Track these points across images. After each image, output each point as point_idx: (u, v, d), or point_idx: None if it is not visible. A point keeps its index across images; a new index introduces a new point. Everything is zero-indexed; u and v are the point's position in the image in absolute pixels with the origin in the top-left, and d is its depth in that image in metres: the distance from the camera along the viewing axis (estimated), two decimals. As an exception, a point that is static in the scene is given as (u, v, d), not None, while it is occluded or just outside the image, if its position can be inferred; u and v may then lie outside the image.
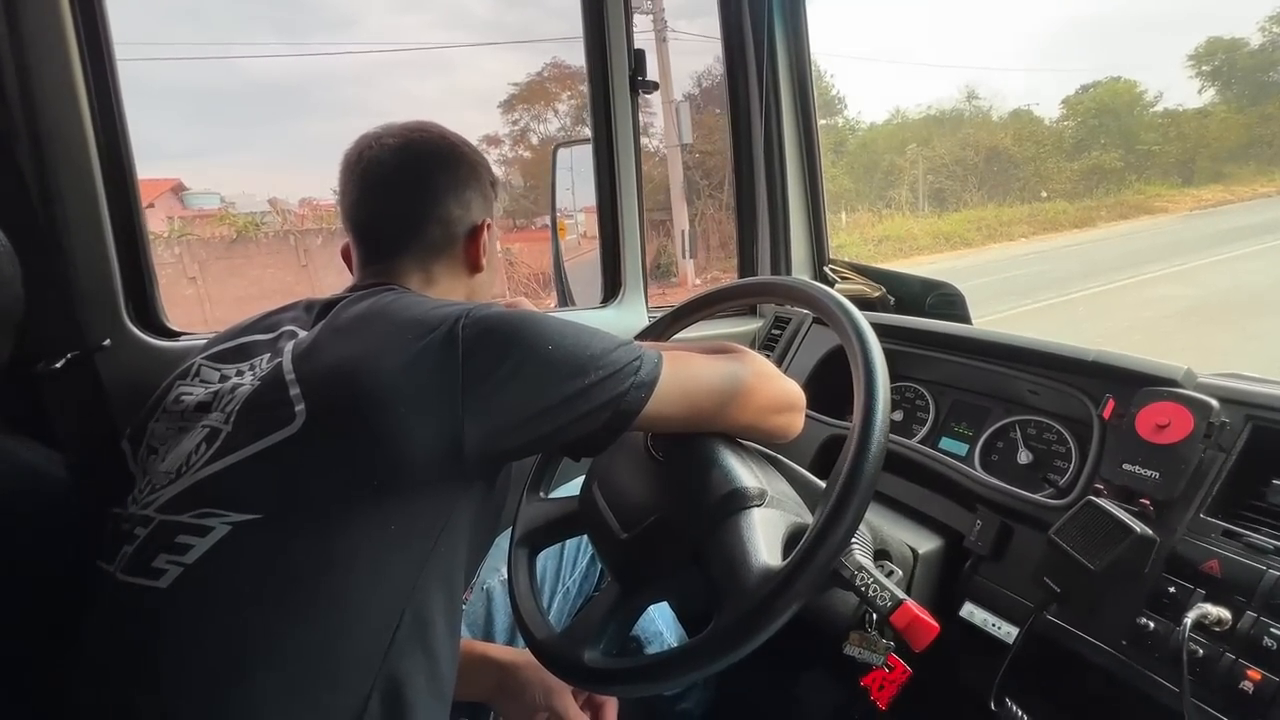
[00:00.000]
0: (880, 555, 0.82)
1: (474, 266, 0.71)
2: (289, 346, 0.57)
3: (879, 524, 0.89)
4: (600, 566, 1.03)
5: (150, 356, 0.87)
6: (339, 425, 0.50)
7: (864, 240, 11.21)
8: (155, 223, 9.55)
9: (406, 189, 0.67)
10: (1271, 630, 0.58)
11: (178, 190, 11.34)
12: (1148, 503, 0.69)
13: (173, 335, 0.92)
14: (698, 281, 10.18)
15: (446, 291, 0.69)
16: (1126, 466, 0.71)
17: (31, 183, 0.75)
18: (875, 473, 0.52)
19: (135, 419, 0.62)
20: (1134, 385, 0.75)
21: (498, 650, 0.81)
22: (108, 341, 0.81)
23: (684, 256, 10.21)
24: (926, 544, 0.87)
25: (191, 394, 0.59)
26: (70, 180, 0.80)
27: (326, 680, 0.50)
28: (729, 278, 1.46)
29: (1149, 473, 0.70)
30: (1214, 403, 0.68)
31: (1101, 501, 0.69)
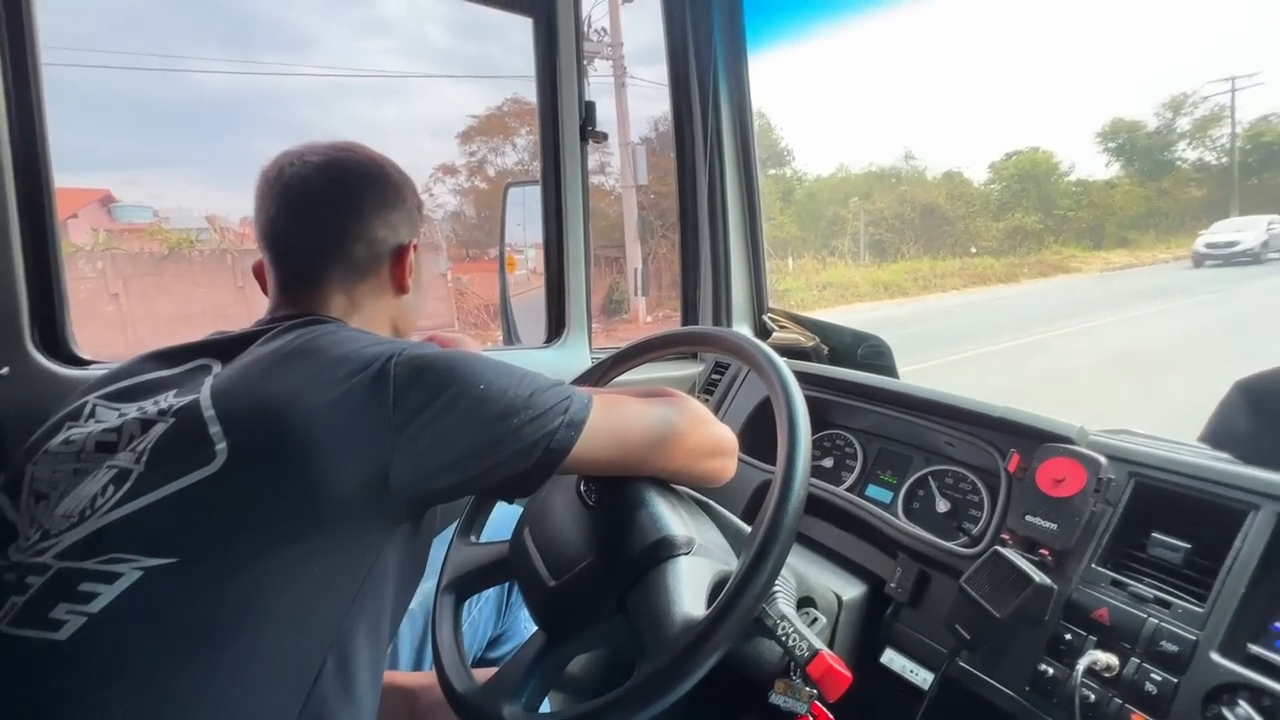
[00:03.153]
0: (805, 602, 0.84)
1: (400, 288, 0.70)
2: (207, 381, 0.54)
3: (806, 571, 0.91)
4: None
5: (55, 386, 0.81)
6: (263, 464, 0.48)
7: (809, 286, 11.68)
8: (79, 234, 8.97)
9: (330, 207, 0.65)
10: (1152, 676, 0.62)
11: (106, 202, 10.73)
12: (1047, 553, 0.74)
13: (82, 363, 0.86)
14: (649, 319, 10.31)
15: (372, 315, 0.68)
16: (1029, 518, 0.77)
17: None
18: (795, 523, 0.54)
19: (12, 462, 0.57)
20: (1035, 440, 0.81)
21: (404, 676, 0.78)
22: (6, 370, 0.75)
23: (636, 294, 10.36)
24: (851, 590, 0.90)
25: (85, 433, 0.55)
26: None
27: None
28: (680, 315, 1.50)
29: (1048, 524, 0.75)
30: (1102, 459, 0.74)
31: (1006, 551, 0.73)
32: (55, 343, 0.85)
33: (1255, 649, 0.60)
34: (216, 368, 0.57)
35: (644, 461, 0.63)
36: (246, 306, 8.52)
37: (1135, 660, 0.64)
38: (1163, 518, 0.71)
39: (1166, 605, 0.65)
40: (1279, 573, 0.62)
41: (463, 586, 0.76)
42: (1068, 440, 0.79)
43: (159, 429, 0.52)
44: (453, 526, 0.81)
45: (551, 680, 0.62)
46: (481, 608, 0.95)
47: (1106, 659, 0.65)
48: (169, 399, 0.55)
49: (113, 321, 7.73)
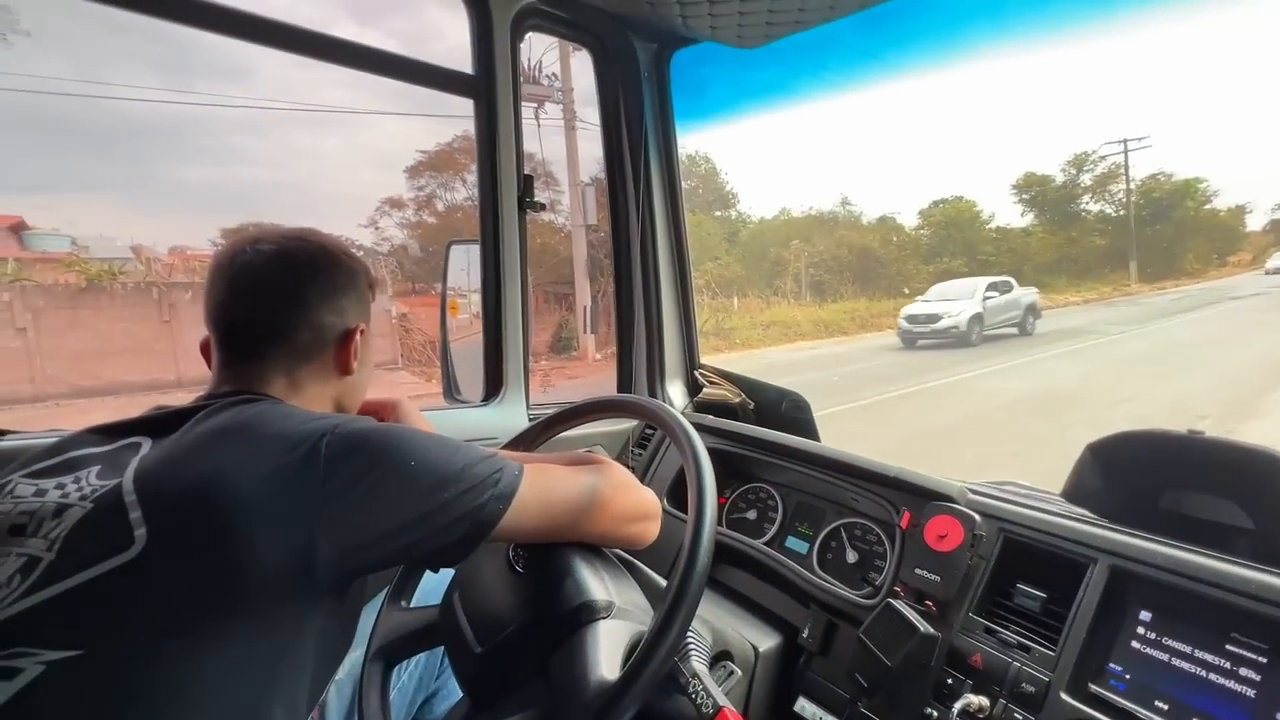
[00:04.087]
0: (723, 656, 0.89)
1: (344, 369, 0.71)
2: (134, 461, 0.55)
3: (726, 624, 0.96)
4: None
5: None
6: (183, 546, 0.49)
7: (754, 324, 12.08)
8: (-16, 264, 8.33)
9: (278, 295, 0.67)
10: (1015, 716, 0.70)
11: (18, 229, 10.06)
12: (931, 604, 0.82)
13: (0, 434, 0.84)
14: (598, 356, 10.36)
15: (315, 395, 0.69)
16: (918, 571, 0.85)
17: None
18: (702, 581, 0.58)
19: None
20: (924, 498, 0.90)
21: None
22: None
23: (585, 330, 10.44)
24: (767, 641, 0.96)
25: (2, 514, 0.53)
26: None
27: None
28: (615, 371, 1.56)
29: (933, 576, 0.83)
30: (977, 517, 0.84)
31: (897, 603, 0.81)
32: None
33: (1095, 688, 0.69)
34: (146, 446, 0.57)
35: (571, 529, 0.66)
36: (172, 342, 8.09)
37: (1002, 701, 0.72)
38: (1026, 569, 0.81)
39: (1026, 650, 0.74)
40: (1113, 619, 0.71)
41: (391, 653, 0.77)
42: (949, 499, 0.89)
43: (75, 513, 0.52)
44: (382, 593, 0.82)
45: None
46: (412, 670, 0.95)
47: (979, 701, 0.73)
48: (91, 480, 0.54)
49: (18, 358, 7.18)
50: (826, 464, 1.07)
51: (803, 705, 0.91)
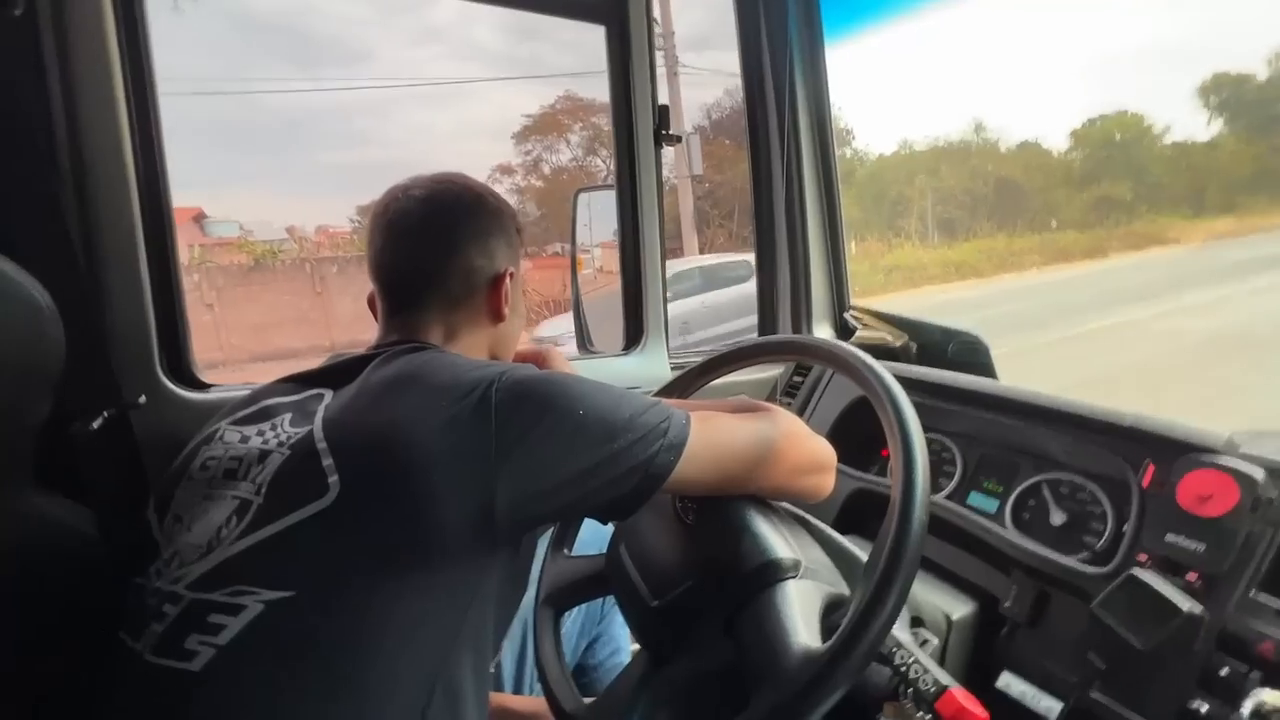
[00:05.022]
0: (914, 622, 0.80)
1: (496, 316, 0.71)
2: (319, 410, 0.57)
3: (912, 588, 0.87)
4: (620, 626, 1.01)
5: (183, 410, 0.87)
6: (374, 496, 0.50)
7: (875, 269, 11.24)
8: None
9: (429, 239, 0.67)
10: (1336, 722, 0.55)
11: (199, 218, 11.61)
12: (1195, 577, 0.67)
13: (204, 387, 0.93)
14: (707, 310, 10.21)
15: (469, 344, 0.69)
16: (1170, 538, 0.70)
17: (77, 241, 0.77)
18: (919, 548, 0.51)
19: (161, 485, 0.62)
20: (1174, 452, 0.74)
21: (516, 701, 0.80)
22: (143, 399, 0.81)
23: (694, 285, 10.29)
24: (960, 609, 0.85)
25: (216, 459, 0.58)
26: (113, 238, 0.82)
27: None
28: (756, 316, 1.47)
29: (1195, 545, 0.68)
30: (1259, 475, 0.66)
31: (1145, 575, 0.67)
32: (181, 369, 0.91)
33: None
34: (328, 396, 0.59)
35: (744, 481, 0.62)
36: (324, 311, 9.03)
37: (1312, 703, 0.57)
38: (1339, 541, 0.63)
39: (1349, 642, 0.58)
40: None
41: (559, 600, 0.77)
42: (1214, 451, 0.72)
43: (276, 459, 0.54)
44: (544, 538, 0.82)
45: (660, 702, 0.62)
46: (575, 615, 0.96)
47: (1275, 699, 0.58)
48: (285, 427, 0.57)
49: (209, 331, 8.36)
50: (1026, 410, 0.92)
51: (1008, 681, 0.80)
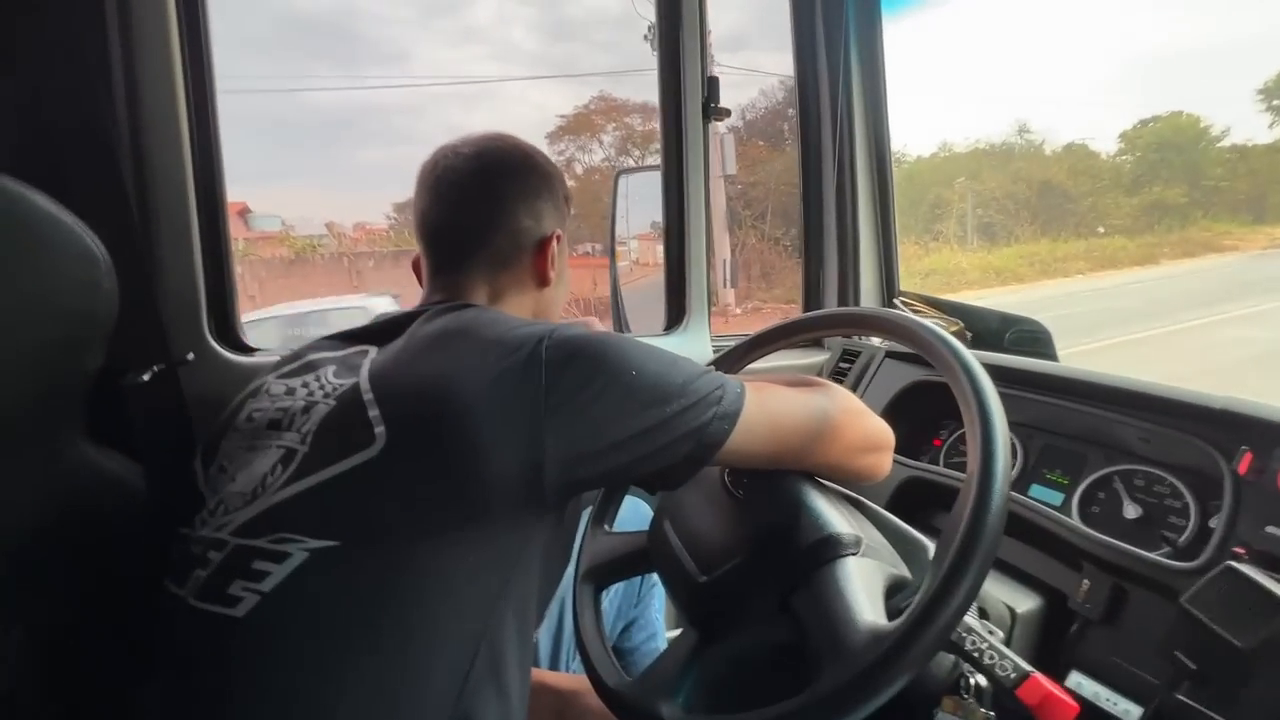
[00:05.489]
0: (979, 614, 0.76)
1: (542, 279, 0.69)
2: (365, 364, 0.55)
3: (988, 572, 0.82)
4: (661, 605, 0.98)
5: (229, 371, 0.88)
6: (420, 448, 0.48)
7: (911, 273, 10.97)
8: (223, 243, 10.09)
9: (477, 197, 0.66)
10: None
11: (244, 213, 12.00)
12: (1302, 572, 0.61)
13: (249, 351, 0.94)
14: (737, 311, 10.14)
15: (514, 306, 0.68)
16: (1271, 529, 0.64)
17: (133, 198, 0.78)
18: (999, 530, 0.47)
19: (207, 437, 0.62)
20: (1274, 438, 0.68)
21: (555, 677, 0.78)
22: (191, 355, 0.82)
23: (725, 285, 10.22)
24: (1024, 603, 0.80)
25: (262, 411, 0.57)
26: (167, 198, 0.84)
27: (403, 714, 0.48)
28: (770, 307, 1.43)
29: (1300, 538, 0.62)
30: (1377, 461, 0.60)
31: (1245, 568, 0.61)
32: (228, 333, 0.93)
33: None
34: (373, 352, 0.58)
35: (799, 456, 0.59)
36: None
37: None
38: None
39: None
40: None
41: (601, 576, 0.75)
42: (1321, 437, 0.65)
43: (321, 409, 0.53)
44: (585, 513, 0.79)
45: (710, 678, 0.59)
46: (612, 597, 0.93)
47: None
48: (329, 378, 0.56)
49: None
50: (1100, 394, 0.86)
51: (1079, 681, 0.74)
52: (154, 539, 0.59)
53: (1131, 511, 0.82)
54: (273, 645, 0.47)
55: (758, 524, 0.60)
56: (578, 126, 14.85)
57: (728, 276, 9.01)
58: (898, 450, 1.06)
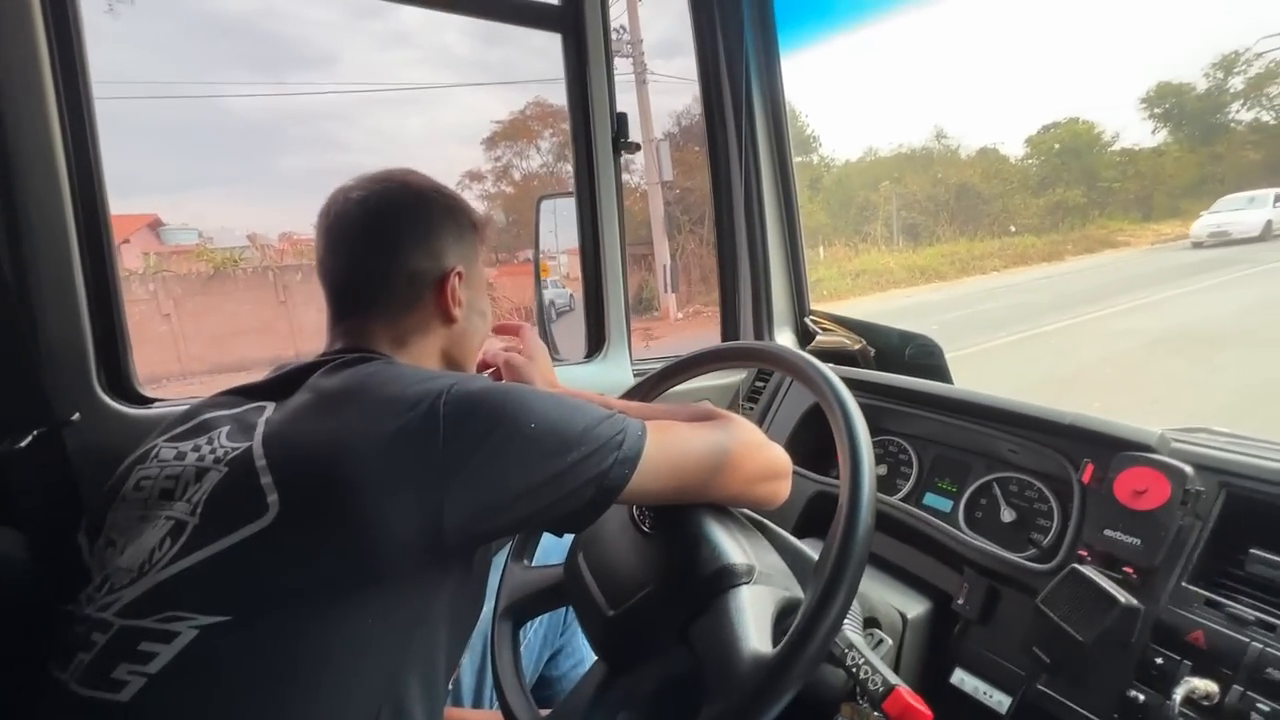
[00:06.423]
0: (869, 623, 0.82)
1: (446, 318, 0.67)
2: (260, 424, 0.54)
3: (867, 588, 0.88)
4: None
5: (122, 426, 0.83)
6: (313, 516, 0.48)
7: (842, 274, 11.44)
8: (131, 259, 9.40)
9: (368, 243, 0.65)
10: (1259, 705, 0.58)
11: (155, 226, 11.22)
12: (1131, 570, 0.70)
13: (146, 402, 0.89)
14: (679, 315, 10.27)
15: (420, 349, 0.67)
16: (1108, 532, 0.72)
17: (3, 248, 0.73)
18: (865, 551, 0.51)
19: (94, 507, 0.59)
20: (1111, 449, 0.76)
21: (474, 715, 0.78)
22: (77, 415, 0.78)
23: (666, 290, 10.33)
24: (915, 608, 0.86)
25: (150, 479, 0.55)
26: (40, 230, 0.77)
27: None
28: (710, 310, 1.48)
29: (1130, 539, 0.70)
30: (1188, 469, 0.69)
31: (1086, 570, 0.69)
32: (121, 383, 0.87)
33: (1379, 677, 0.55)
34: (270, 409, 0.57)
35: (700, 491, 0.61)
36: (289, 321, 8.80)
37: (1238, 688, 0.60)
38: (1263, 532, 0.66)
39: (1271, 629, 0.61)
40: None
41: (519, 611, 0.76)
42: (1147, 448, 0.74)
43: (213, 477, 0.52)
44: (505, 549, 0.81)
45: (614, 712, 0.62)
46: (537, 628, 0.95)
47: (1206, 686, 0.61)
48: (222, 441, 0.54)
49: (166, 341, 8.08)
50: (975, 411, 0.94)
51: (961, 678, 0.81)
52: (38, 618, 0.56)
53: (1008, 515, 0.91)
54: None
55: (662, 557, 0.62)
56: (514, 133, 14.67)
57: (668, 281, 9.10)
58: (808, 465, 1.14)
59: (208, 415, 0.59)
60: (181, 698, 0.46)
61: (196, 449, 0.55)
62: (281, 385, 0.60)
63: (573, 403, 0.56)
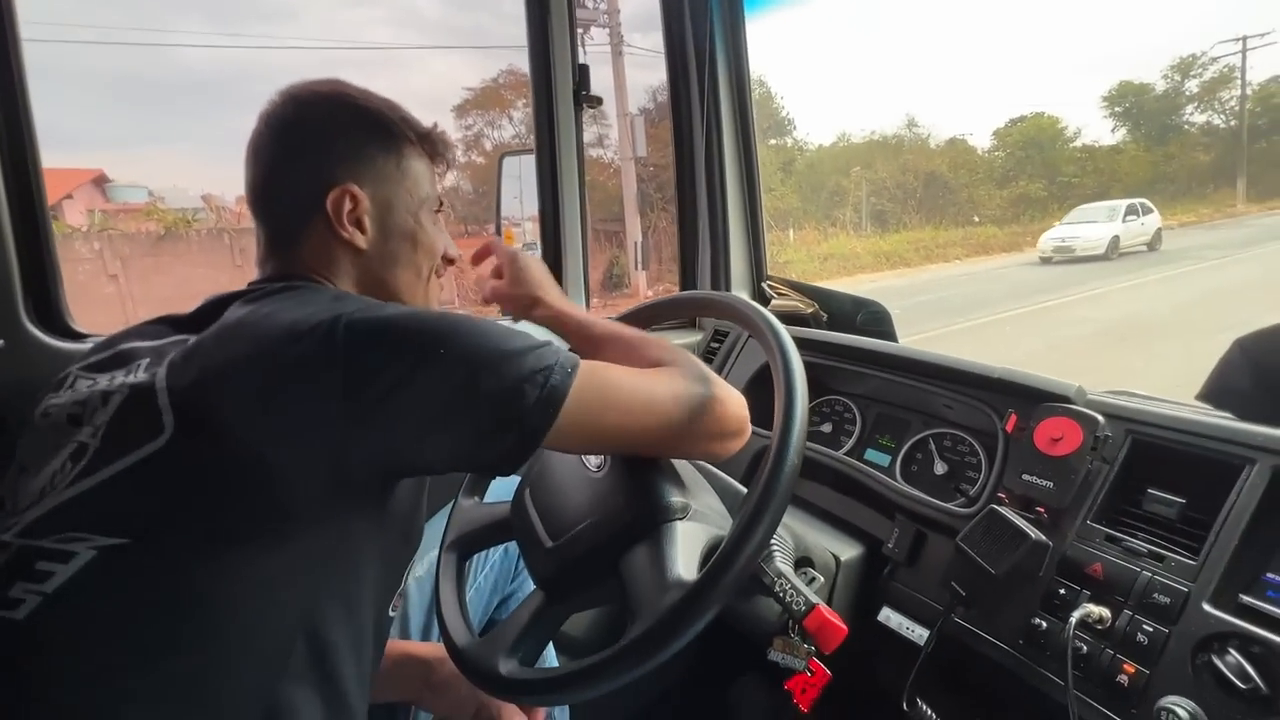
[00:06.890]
0: (804, 562, 0.85)
1: (343, 243, 0.61)
2: (172, 354, 0.51)
3: (804, 532, 0.92)
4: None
5: (51, 358, 0.81)
6: (208, 440, 0.46)
7: (810, 257, 11.60)
8: (74, 216, 8.90)
9: (264, 162, 0.61)
10: (1144, 627, 0.63)
11: (100, 182, 10.61)
12: (1043, 510, 0.74)
13: (78, 336, 0.86)
14: (649, 293, 10.26)
15: (337, 278, 0.62)
16: (1025, 476, 0.77)
17: None
18: (789, 485, 0.53)
19: (8, 436, 0.58)
20: (1033, 401, 0.81)
21: (419, 647, 0.79)
22: (2, 343, 0.75)
23: (637, 268, 10.30)
24: (849, 551, 0.91)
25: (58, 406, 0.53)
26: None
27: (207, 715, 0.47)
28: (679, 285, 1.50)
29: (1044, 482, 0.75)
30: (1099, 417, 0.74)
31: (1003, 509, 0.74)
32: (50, 315, 0.85)
33: (1247, 599, 0.60)
34: (191, 341, 0.54)
35: (636, 444, 0.57)
36: (245, 284, 8.50)
37: (1128, 612, 0.65)
38: (1159, 474, 0.71)
39: (1160, 559, 0.66)
40: (1271, 525, 0.62)
41: (465, 545, 0.78)
42: (1066, 400, 0.79)
43: (116, 400, 0.50)
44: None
45: (548, 636, 0.64)
46: (489, 571, 0.96)
47: (1099, 611, 0.66)
48: (139, 374, 0.52)
49: (113, 302, 7.71)
50: (914, 367, 0.98)
51: (887, 615, 0.86)
52: None
53: (940, 468, 0.96)
54: (56, 648, 0.44)
55: (603, 494, 0.64)
56: (486, 101, 14.29)
57: (639, 259, 9.07)
58: (758, 422, 1.16)
59: (128, 346, 0.56)
60: (79, 618, 0.45)
61: (112, 378, 0.53)
62: (206, 316, 0.57)
63: (499, 329, 0.51)
